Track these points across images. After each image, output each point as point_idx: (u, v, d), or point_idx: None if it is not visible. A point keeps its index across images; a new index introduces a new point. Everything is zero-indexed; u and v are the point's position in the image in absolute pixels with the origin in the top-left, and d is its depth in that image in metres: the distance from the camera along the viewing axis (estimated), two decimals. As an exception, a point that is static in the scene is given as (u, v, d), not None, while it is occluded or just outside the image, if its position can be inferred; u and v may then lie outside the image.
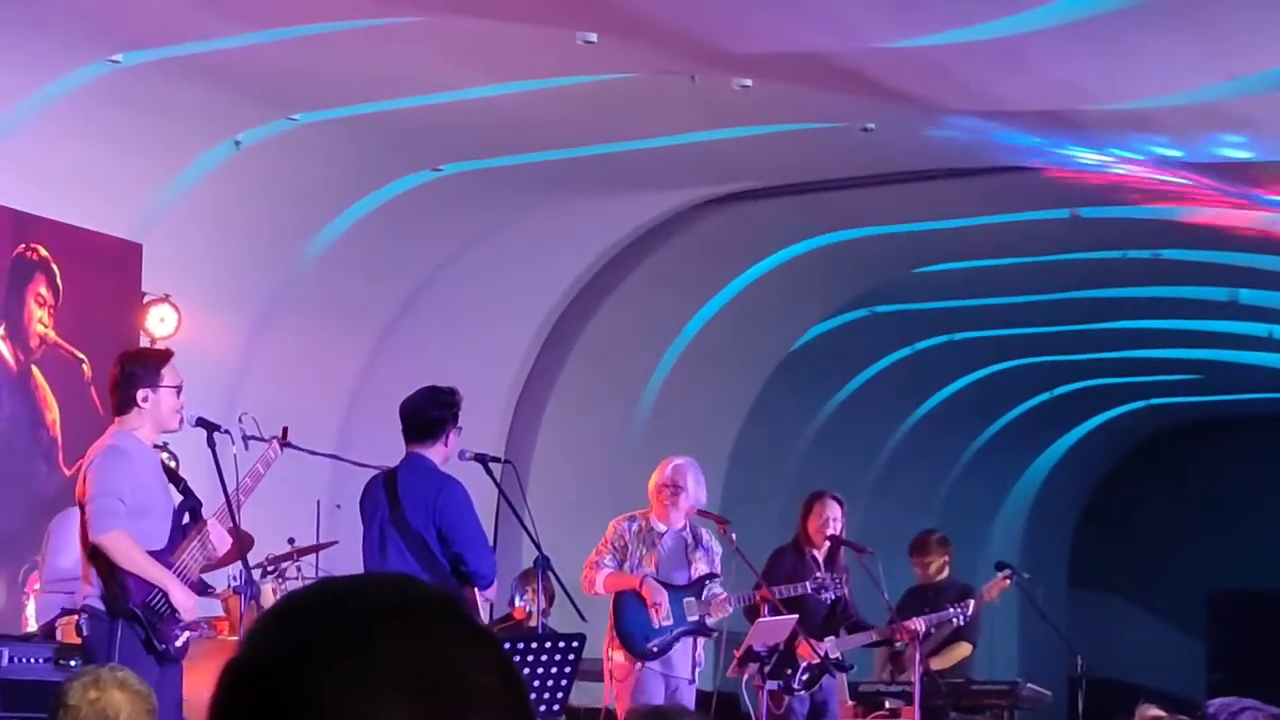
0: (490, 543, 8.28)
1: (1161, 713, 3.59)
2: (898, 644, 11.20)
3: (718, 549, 9.91)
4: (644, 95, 10.87)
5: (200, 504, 7.58)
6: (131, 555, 7.24)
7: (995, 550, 17.51)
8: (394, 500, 8.17)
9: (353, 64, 10.41)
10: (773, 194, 13.11)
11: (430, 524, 8.13)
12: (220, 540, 7.49)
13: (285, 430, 7.99)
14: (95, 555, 7.29)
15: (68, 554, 8.92)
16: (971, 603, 11.26)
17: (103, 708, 4.30)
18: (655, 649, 9.50)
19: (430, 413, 8.32)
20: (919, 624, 10.79)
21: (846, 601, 10.71)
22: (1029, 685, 12.04)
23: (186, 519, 7.50)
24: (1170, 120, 10.69)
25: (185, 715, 7.45)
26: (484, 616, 8.35)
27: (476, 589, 8.15)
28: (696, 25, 9.64)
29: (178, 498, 7.55)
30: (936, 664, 11.28)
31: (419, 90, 10.85)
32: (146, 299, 11.22)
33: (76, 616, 7.36)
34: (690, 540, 9.77)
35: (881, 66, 10.11)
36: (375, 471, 8.44)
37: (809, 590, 10.11)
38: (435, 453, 8.28)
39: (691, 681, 9.71)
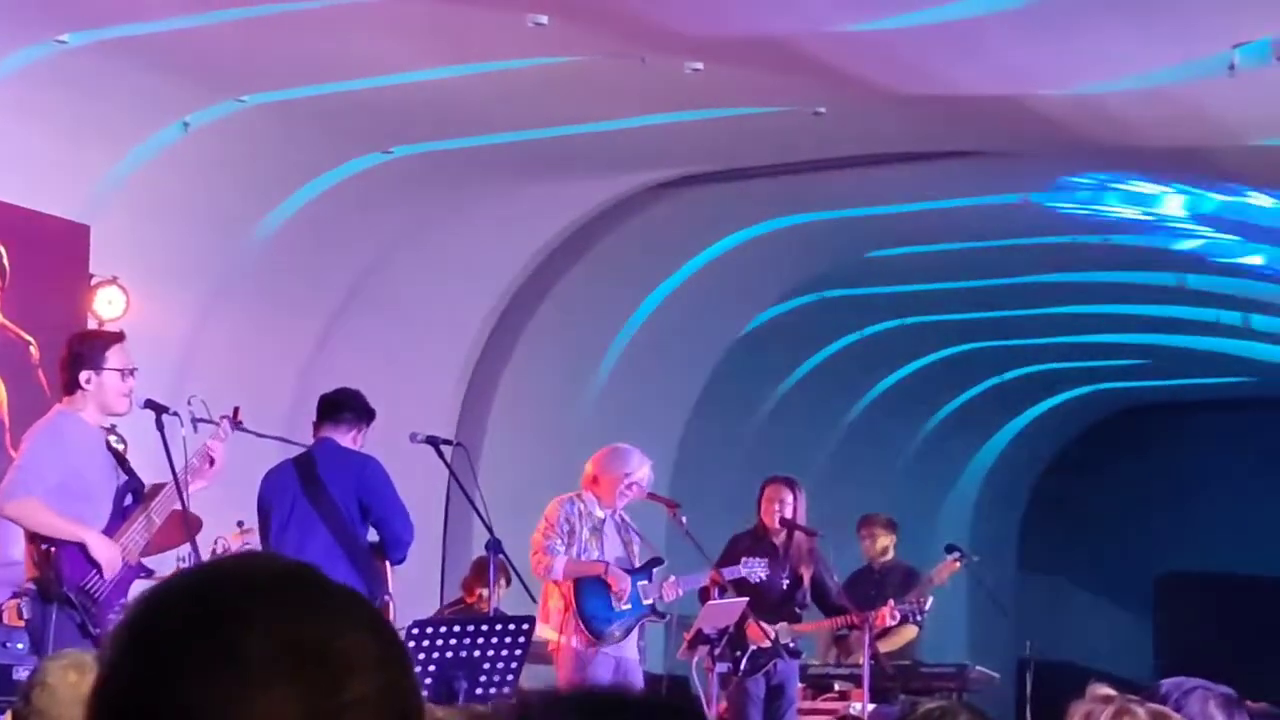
0: (409, 514, 8.48)
1: (1112, 691, 3.60)
2: (842, 629, 11.26)
3: (637, 528, 9.94)
4: (595, 78, 10.85)
5: (143, 485, 7.56)
6: (40, 519, 7.23)
7: (945, 533, 17.57)
8: (310, 479, 8.30)
9: (302, 45, 10.36)
10: (724, 178, 13.12)
11: (353, 498, 8.36)
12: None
13: (236, 410, 7.97)
14: (35, 538, 7.27)
15: (16, 541, 8.91)
16: (930, 598, 11.35)
17: (84, 692, 4.25)
18: (618, 633, 9.51)
19: (350, 400, 8.68)
20: (896, 612, 10.90)
21: (804, 587, 10.73)
22: (977, 668, 12.11)
23: (129, 500, 7.48)
24: (1123, 106, 10.74)
25: None
26: (389, 585, 8.44)
27: (390, 562, 8.32)
28: (648, 8, 9.63)
29: (122, 478, 7.53)
30: (883, 646, 11.33)
31: (369, 72, 10.80)
32: (94, 281, 11.15)
33: (18, 600, 7.35)
34: (621, 523, 9.79)
35: (833, 50, 10.12)
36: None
37: (740, 574, 10.13)
38: (345, 442, 8.56)
39: (639, 661, 9.73)
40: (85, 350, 7.50)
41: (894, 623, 11.05)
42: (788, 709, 10.48)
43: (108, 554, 7.27)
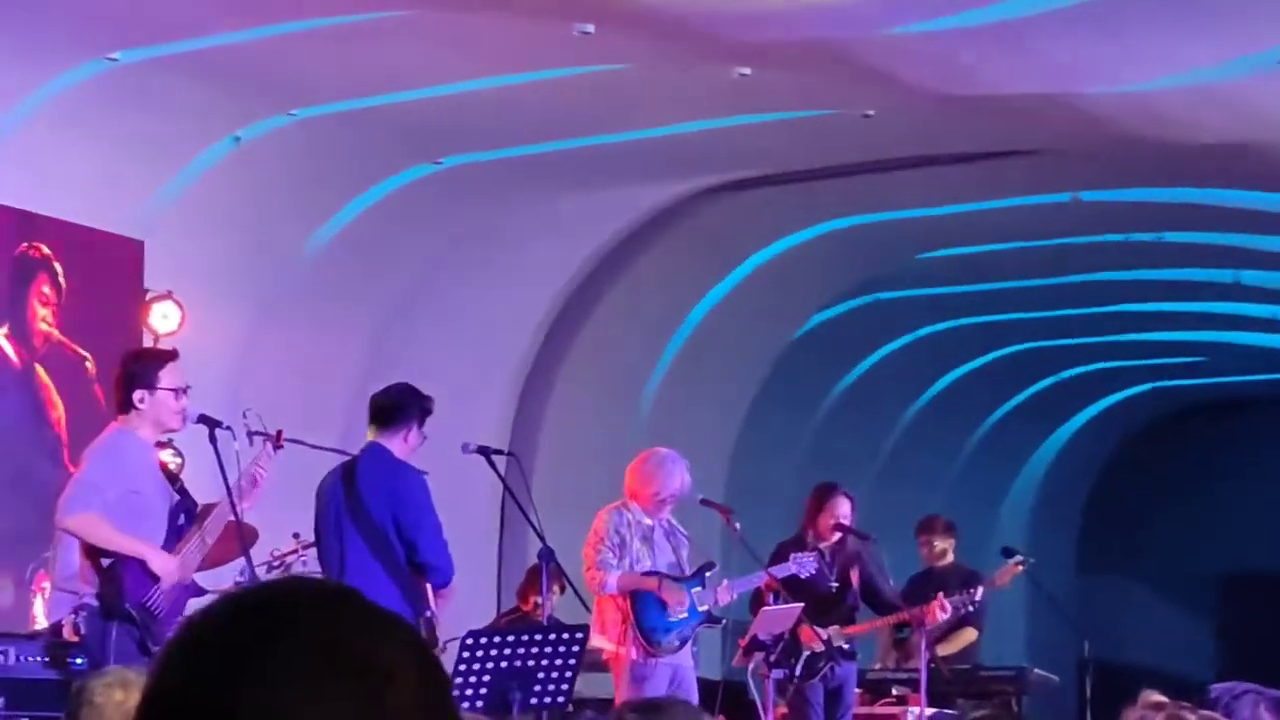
0: (444, 535, 8.23)
1: (1163, 699, 3.61)
2: (902, 632, 11.20)
3: (686, 533, 9.87)
4: (642, 85, 10.87)
5: (195, 505, 7.60)
6: (101, 533, 7.28)
7: (1002, 536, 17.49)
8: (351, 488, 8.17)
9: (351, 58, 10.42)
10: (773, 182, 13.10)
11: (387, 513, 8.13)
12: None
13: (279, 434, 7.94)
14: (93, 553, 7.32)
15: (77, 554, 8.99)
16: (981, 589, 11.25)
17: (129, 710, 4.30)
18: (676, 643, 9.46)
19: (398, 399, 8.39)
20: (946, 605, 10.79)
21: (853, 589, 10.70)
22: (1036, 671, 12.05)
23: (182, 520, 7.52)
24: (1170, 103, 10.69)
25: None
26: (438, 613, 8.21)
27: (430, 585, 8.13)
28: (693, 14, 9.65)
29: (175, 498, 7.57)
30: (943, 650, 11.28)
31: (417, 84, 10.86)
32: (149, 296, 11.22)
33: (74, 615, 7.39)
34: (669, 529, 9.72)
35: (880, 53, 10.11)
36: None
37: (792, 570, 10.08)
38: (395, 445, 8.30)
39: (693, 668, 9.70)
40: (139, 369, 7.56)
41: (945, 616, 10.91)
42: (845, 714, 10.44)
43: (166, 566, 7.33)
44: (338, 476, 8.33)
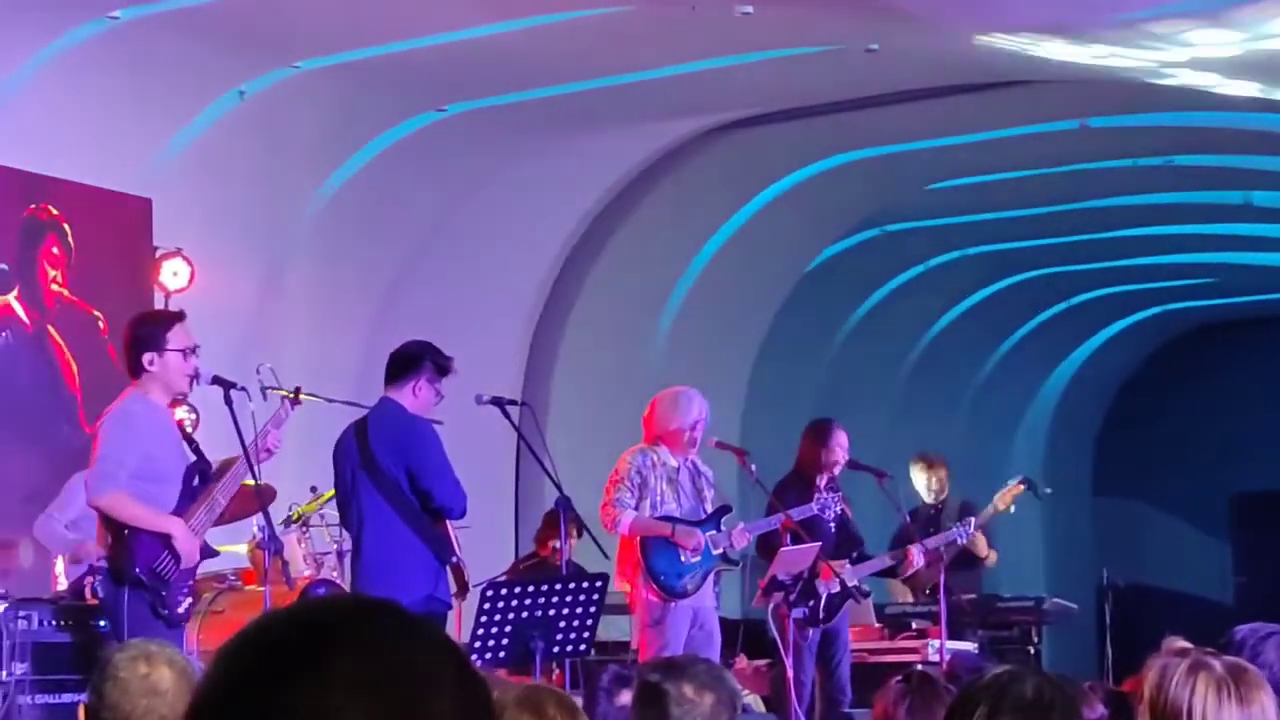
0: (457, 476, 8.24)
1: (1188, 645, 3.61)
2: (906, 573, 11.11)
3: (711, 475, 9.84)
4: (646, 27, 10.84)
5: (210, 466, 7.61)
6: (132, 512, 7.30)
7: (1018, 464, 17.51)
8: (364, 444, 8.18)
9: (353, 8, 10.39)
10: (779, 119, 13.07)
11: (400, 465, 8.13)
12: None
13: (298, 390, 7.98)
14: (110, 521, 7.35)
15: (70, 510, 9.05)
16: (974, 520, 11.17)
17: (154, 683, 4.36)
18: (690, 587, 9.42)
19: (407, 352, 8.36)
20: (918, 556, 10.67)
21: (851, 525, 10.64)
22: (1054, 600, 12.08)
23: (196, 481, 7.53)
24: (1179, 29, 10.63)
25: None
26: (458, 549, 8.28)
27: (448, 518, 8.18)
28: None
29: (190, 458, 7.58)
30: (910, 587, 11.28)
31: (420, 32, 10.83)
32: (159, 253, 11.23)
33: (92, 578, 7.42)
34: (695, 471, 9.69)
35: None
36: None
37: (814, 511, 10.03)
38: (404, 398, 8.27)
39: (715, 608, 9.67)
40: (145, 332, 7.54)
41: (921, 564, 10.81)
42: (843, 651, 10.27)
43: (189, 546, 7.35)
44: (351, 433, 8.33)
